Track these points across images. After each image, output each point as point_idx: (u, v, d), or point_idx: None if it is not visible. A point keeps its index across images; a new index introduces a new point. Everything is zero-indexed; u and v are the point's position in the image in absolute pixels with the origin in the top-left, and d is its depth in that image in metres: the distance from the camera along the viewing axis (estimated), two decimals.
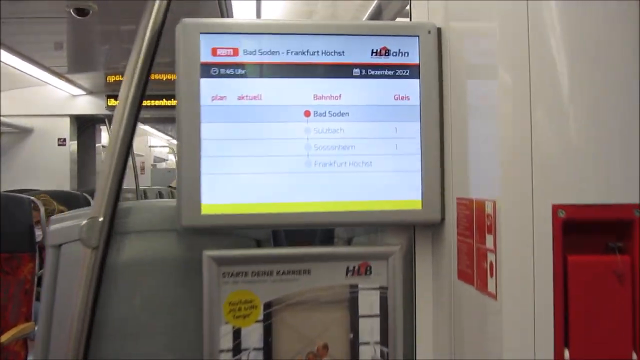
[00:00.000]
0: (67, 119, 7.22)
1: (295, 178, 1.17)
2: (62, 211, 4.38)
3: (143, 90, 1.24)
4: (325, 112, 1.16)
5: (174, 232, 1.26)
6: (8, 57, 5.05)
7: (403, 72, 1.18)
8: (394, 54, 1.18)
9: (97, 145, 8.52)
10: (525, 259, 0.89)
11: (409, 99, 1.18)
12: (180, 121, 1.15)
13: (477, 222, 1.00)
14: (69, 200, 4.67)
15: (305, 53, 1.16)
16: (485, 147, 1.00)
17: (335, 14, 4.07)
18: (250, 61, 1.16)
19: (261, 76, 1.15)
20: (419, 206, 1.18)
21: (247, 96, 1.15)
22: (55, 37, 5.31)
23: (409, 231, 1.28)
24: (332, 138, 1.17)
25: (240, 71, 1.15)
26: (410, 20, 1.28)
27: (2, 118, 6.72)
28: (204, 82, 1.14)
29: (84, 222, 1.21)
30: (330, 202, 1.17)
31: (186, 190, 1.14)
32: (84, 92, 7.13)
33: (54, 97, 6.85)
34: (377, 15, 2.15)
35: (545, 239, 0.88)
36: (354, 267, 1.23)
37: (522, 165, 0.91)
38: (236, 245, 1.29)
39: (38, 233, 3.93)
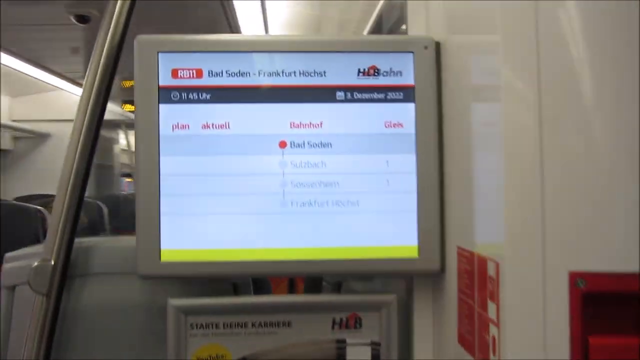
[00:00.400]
0: None
1: (268, 220, 1.01)
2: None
3: (101, 113, 1.09)
4: (303, 143, 1.00)
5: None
6: (21, 65, 5.01)
7: (395, 95, 1.01)
8: (385, 73, 1.01)
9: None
10: (535, 340, 0.70)
11: (402, 127, 1.01)
12: (137, 154, 0.99)
13: (479, 283, 0.82)
14: (85, 208, 4.58)
15: (281, 74, 1.00)
16: (490, 187, 0.82)
17: (351, 19, 3.87)
18: (216, 84, 1.00)
19: (229, 101, 1.00)
20: (415, 254, 1.00)
21: (212, 125, 1.00)
22: (70, 43, 5.26)
23: (406, 277, 1.10)
24: (312, 173, 1.00)
25: (204, 96, 1.00)
26: (407, 33, 1.10)
27: (17, 123, 6.72)
28: (164, 108, 0.99)
29: (35, 264, 1.07)
30: (310, 248, 1.01)
31: (144, 234, 0.99)
32: None
33: (70, 102, 6.82)
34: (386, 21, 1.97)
35: (561, 316, 0.70)
36: (342, 319, 1.06)
37: (531, 217, 0.72)
38: (208, 290, 1.13)
39: None
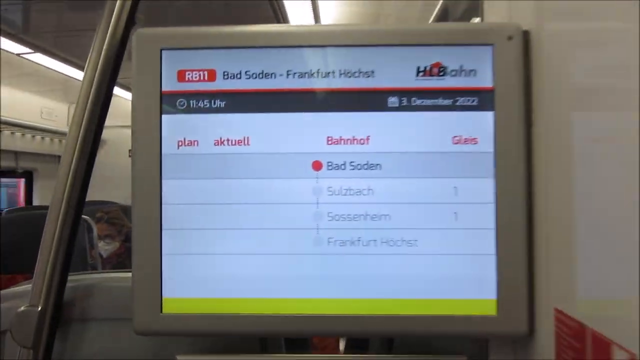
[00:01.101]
0: None
1: (299, 263, 0.78)
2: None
3: (97, 129, 0.89)
4: (344, 164, 0.78)
5: None
6: (74, 72, 5.00)
7: (468, 101, 0.77)
8: (453, 73, 0.77)
9: None
10: None
11: (476, 143, 0.77)
12: (134, 177, 0.79)
13: None
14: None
15: (315, 75, 0.78)
16: (612, 228, 0.56)
17: (410, 17, 3.58)
18: (233, 89, 0.78)
19: (249, 111, 0.79)
20: (492, 311, 0.76)
21: (228, 140, 0.79)
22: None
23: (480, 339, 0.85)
24: (355, 203, 0.77)
25: (218, 103, 0.79)
26: (482, 20, 0.85)
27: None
28: (167, 119, 0.79)
29: (20, 310, 0.88)
30: (352, 300, 0.78)
31: (141, 278, 0.79)
32: None
33: (126, 108, 6.84)
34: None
35: None
36: None
37: None
38: (227, 343, 0.91)
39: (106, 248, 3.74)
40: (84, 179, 0.87)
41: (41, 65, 4.75)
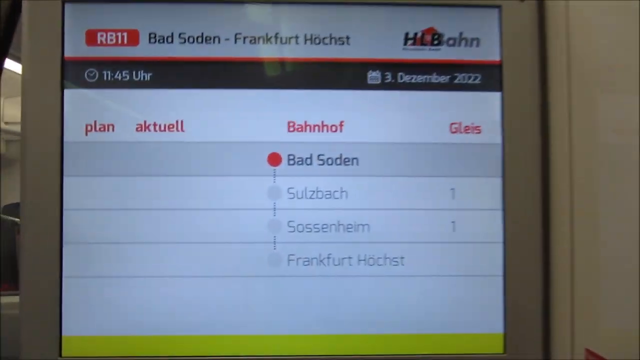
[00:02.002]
0: None
1: (248, 288, 0.62)
2: None
3: None
4: (310, 157, 0.63)
5: None
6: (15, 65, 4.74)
7: (469, 78, 0.64)
8: (451, 42, 0.64)
9: None
10: None
11: (479, 132, 0.64)
12: (24, 174, 0.62)
13: None
14: None
15: (272, 40, 0.62)
16: None
17: None
18: (162, 57, 0.63)
19: (183, 86, 0.63)
20: (499, 348, 0.63)
21: (155, 125, 0.62)
22: None
23: None
24: (323, 209, 0.63)
25: (142, 75, 0.63)
26: None
27: (9, 126, 6.44)
28: (72, 96, 0.62)
29: None
30: (320, 336, 0.62)
31: (33, 312, 0.61)
32: None
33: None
34: None
35: None
36: None
37: None
38: None
39: None
40: None
41: None
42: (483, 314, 0.62)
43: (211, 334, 0.62)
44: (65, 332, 0.61)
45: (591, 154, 0.58)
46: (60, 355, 0.61)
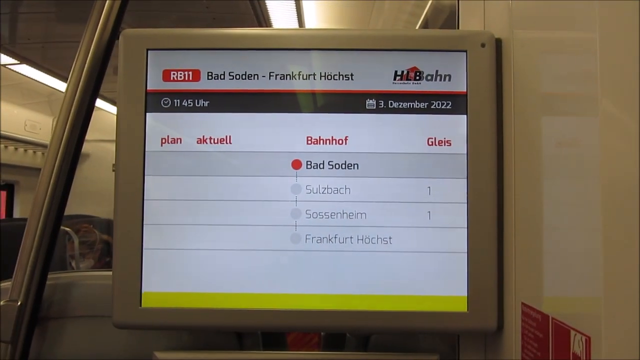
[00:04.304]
0: None
1: (277, 259, 0.80)
2: (106, 241, 4.18)
3: (82, 130, 0.91)
4: (323, 163, 0.80)
5: None
6: (57, 83, 4.98)
7: (442, 104, 0.80)
8: (429, 77, 0.80)
9: None
10: None
11: (450, 145, 0.80)
12: (117, 173, 0.81)
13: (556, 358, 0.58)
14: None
15: (296, 77, 0.80)
16: (573, 226, 0.59)
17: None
18: (216, 89, 0.81)
19: (231, 110, 0.81)
20: (463, 307, 0.78)
21: (210, 139, 0.81)
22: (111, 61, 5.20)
23: (451, 335, 0.87)
24: (332, 201, 0.80)
25: (202, 103, 0.81)
26: (458, 28, 0.88)
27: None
28: (152, 118, 0.81)
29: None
30: (328, 295, 0.80)
31: (121, 272, 0.80)
32: None
33: (108, 122, 6.78)
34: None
35: None
36: None
37: None
38: (205, 339, 0.92)
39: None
40: (66, 185, 0.89)
41: (27, 76, 4.73)
42: (451, 281, 0.77)
43: (251, 292, 0.78)
44: (144, 289, 0.79)
45: (533, 160, 0.71)
46: (140, 305, 0.79)
